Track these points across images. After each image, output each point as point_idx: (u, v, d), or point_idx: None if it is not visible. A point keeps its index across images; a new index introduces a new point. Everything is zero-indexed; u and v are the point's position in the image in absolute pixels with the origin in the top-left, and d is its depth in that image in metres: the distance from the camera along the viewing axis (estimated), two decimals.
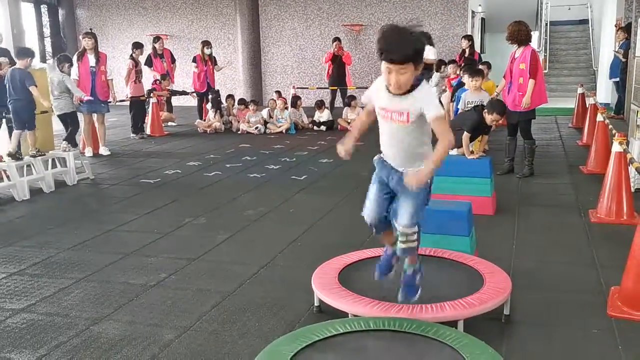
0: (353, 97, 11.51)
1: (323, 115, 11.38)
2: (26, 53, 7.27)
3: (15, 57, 7.56)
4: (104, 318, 3.58)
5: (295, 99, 11.71)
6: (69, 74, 8.38)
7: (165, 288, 4.03)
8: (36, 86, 7.03)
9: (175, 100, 13.00)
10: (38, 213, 6.09)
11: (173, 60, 12.23)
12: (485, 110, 5.96)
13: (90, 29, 14.96)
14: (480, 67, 9.17)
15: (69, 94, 8.28)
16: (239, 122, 11.34)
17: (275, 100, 11.51)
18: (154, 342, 3.27)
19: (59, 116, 8.30)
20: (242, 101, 11.80)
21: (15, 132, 7.03)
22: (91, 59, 8.93)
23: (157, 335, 3.36)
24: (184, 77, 13.64)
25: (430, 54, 12.30)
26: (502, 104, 6.17)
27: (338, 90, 12.51)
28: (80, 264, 4.50)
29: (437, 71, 10.73)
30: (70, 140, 7.94)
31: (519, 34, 6.66)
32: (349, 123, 11.04)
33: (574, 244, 4.76)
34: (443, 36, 14.50)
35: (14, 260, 4.63)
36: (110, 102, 9.31)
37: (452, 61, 11.01)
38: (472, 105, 7.04)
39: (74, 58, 8.77)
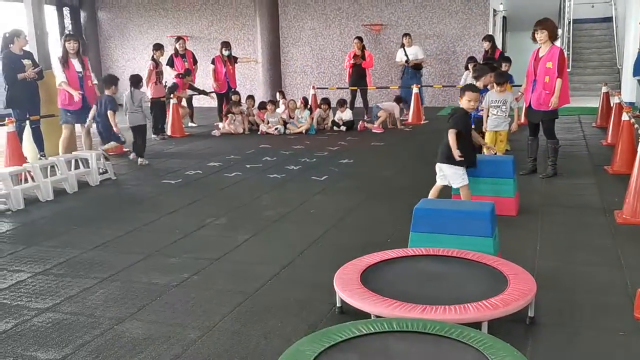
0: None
1: (345, 115, 11.33)
2: (112, 81, 8.15)
3: (103, 85, 8.24)
4: (127, 317, 3.61)
5: (325, 101, 11.66)
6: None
7: (187, 288, 4.05)
8: (114, 112, 7.94)
9: (196, 102, 13.06)
10: (62, 213, 6.16)
11: (195, 62, 12.29)
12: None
13: (69, 31, 14.92)
14: (503, 64, 9.07)
15: (142, 108, 8.54)
16: (258, 124, 11.36)
17: (294, 101, 11.49)
18: (177, 342, 3.29)
19: (132, 128, 8.55)
20: (262, 105, 11.72)
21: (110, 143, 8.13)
22: (76, 64, 8.07)
23: (180, 334, 3.37)
24: (204, 77, 13.70)
25: (419, 53, 12.42)
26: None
27: (358, 90, 12.50)
28: (104, 264, 4.55)
29: (466, 69, 10.78)
30: (140, 152, 8.65)
31: (557, 32, 6.65)
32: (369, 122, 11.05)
33: (599, 245, 4.69)
34: (464, 35, 14.39)
35: (38, 260, 4.69)
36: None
37: (472, 59, 10.93)
38: (495, 105, 6.97)
39: (58, 64, 7.95)
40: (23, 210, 6.26)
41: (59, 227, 5.60)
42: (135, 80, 8.64)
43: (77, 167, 7.33)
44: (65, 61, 7.97)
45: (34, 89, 8.11)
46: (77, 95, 7.94)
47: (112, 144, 8.18)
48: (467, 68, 10.69)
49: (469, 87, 5.28)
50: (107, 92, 8.14)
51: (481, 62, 10.25)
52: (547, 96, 6.49)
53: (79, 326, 3.51)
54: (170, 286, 4.08)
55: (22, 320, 3.62)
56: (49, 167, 6.97)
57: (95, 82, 8.51)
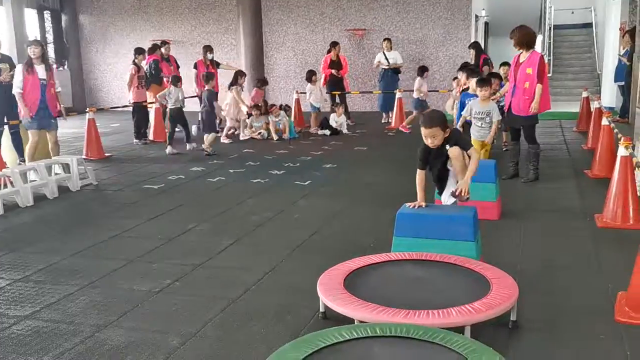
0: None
1: (341, 118, 11.35)
2: (210, 77, 9.66)
3: (204, 82, 9.64)
4: (108, 325, 3.57)
5: (311, 74, 11.67)
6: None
7: (170, 294, 4.02)
8: (212, 104, 9.43)
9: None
10: (42, 219, 6.08)
11: (177, 67, 12.25)
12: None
13: (35, 37, 14.70)
14: (501, 68, 9.04)
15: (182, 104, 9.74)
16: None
17: (276, 107, 11.42)
18: (159, 349, 3.25)
19: (173, 120, 9.76)
20: (263, 82, 11.94)
21: (206, 135, 9.47)
22: (40, 70, 7.63)
23: (163, 341, 3.34)
24: (186, 82, 13.61)
25: (398, 58, 12.59)
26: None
27: (337, 95, 12.59)
28: (85, 271, 4.49)
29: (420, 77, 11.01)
30: (188, 138, 9.74)
31: (530, 38, 6.67)
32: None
33: (580, 249, 4.74)
34: (447, 41, 14.49)
35: (18, 266, 4.62)
36: (60, 117, 8.11)
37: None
38: (479, 116, 6.88)
39: (21, 69, 7.58)
40: (2, 216, 6.17)
41: (38, 233, 5.53)
42: (175, 79, 9.84)
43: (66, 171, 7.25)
44: (30, 66, 7.54)
45: (12, 93, 7.97)
46: (25, 113, 7.56)
47: (213, 135, 9.49)
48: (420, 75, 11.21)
49: (421, 121, 4.29)
50: (207, 87, 9.55)
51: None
52: (527, 102, 6.55)
53: (59, 334, 3.46)
54: (152, 293, 4.04)
55: (0, 328, 3.56)
56: (28, 172, 6.89)
57: (59, 89, 8.01)
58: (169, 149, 9.59)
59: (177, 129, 9.68)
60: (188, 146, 9.55)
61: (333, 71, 12.35)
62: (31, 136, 7.81)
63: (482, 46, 17.80)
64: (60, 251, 4.95)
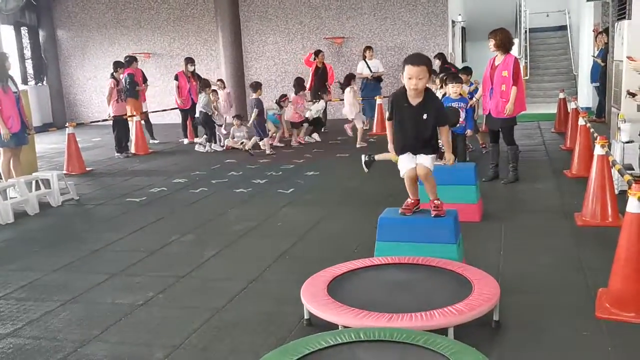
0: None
1: (319, 106, 11.40)
2: (257, 86, 10.35)
3: (253, 90, 10.33)
4: (91, 340, 3.54)
5: (299, 82, 11.55)
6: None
7: (153, 307, 3.99)
8: (260, 110, 10.15)
9: (159, 118, 12.93)
10: (23, 236, 6.02)
11: (145, 80, 12.19)
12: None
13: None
14: (460, 75, 9.19)
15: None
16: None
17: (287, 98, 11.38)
18: None
19: (204, 122, 10.82)
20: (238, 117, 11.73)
21: (255, 138, 10.33)
22: (11, 84, 7.29)
23: (146, 355, 3.32)
24: (167, 94, 13.60)
25: (380, 66, 12.68)
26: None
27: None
28: (67, 286, 4.45)
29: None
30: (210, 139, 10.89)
31: (509, 43, 6.75)
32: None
33: (561, 248, 4.79)
34: (424, 47, 14.59)
35: None
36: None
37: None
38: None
39: None
40: None
41: (19, 250, 5.47)
42: (204, 85, 10.81)
43: (37, 187, 7.18)
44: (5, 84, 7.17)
45: None
46: (5, 135, 7.13)
47: (255, 139, 10.28)
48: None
49: (408, 60, 3.95)
50: (254, 96, 10.24)
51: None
52: (505, 104, 6.63)
53: (41, 351, 3.43)
54: (136, 306, 4.02)
55: None
56: (8, 189, 6.81)
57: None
58: (205, 147, 10.72)
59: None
60: (209, 146, 10.74)
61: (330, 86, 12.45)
62: (4, 154, 7.42)
63: (461, 51, 18.05)
64: (42, 267, 4.90)
